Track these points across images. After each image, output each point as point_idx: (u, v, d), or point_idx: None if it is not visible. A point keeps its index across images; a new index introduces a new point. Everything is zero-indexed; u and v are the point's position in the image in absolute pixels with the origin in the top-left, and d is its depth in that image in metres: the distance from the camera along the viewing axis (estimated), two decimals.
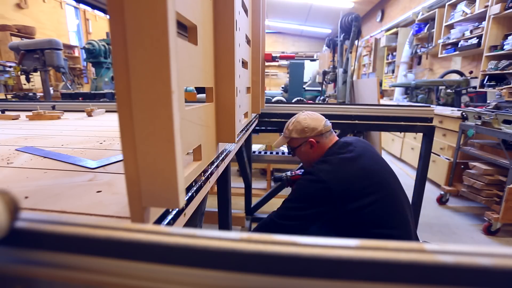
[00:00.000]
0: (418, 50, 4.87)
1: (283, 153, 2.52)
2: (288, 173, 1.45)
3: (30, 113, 1.48)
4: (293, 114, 1.24)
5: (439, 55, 4.11)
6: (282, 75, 10.68)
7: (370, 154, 1.09)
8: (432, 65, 4.79)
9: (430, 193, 2.80)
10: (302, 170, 1.51)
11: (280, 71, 10.78)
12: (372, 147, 1.17)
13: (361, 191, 0.98)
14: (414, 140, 3.59)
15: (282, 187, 1.97)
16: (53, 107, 1.79)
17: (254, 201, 2.17)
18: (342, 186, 0.97)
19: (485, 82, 3.23)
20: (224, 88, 0.64)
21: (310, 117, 1.18)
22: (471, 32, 3.49)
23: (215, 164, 0.65)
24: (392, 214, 1.00)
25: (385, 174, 1.06)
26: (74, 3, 7.17)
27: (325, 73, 3.96)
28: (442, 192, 2.61)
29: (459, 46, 3.65)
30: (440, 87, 3.91)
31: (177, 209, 0.44)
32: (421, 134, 1.69)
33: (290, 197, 1.08)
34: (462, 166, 2.58)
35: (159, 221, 0.40)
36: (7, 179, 0.57)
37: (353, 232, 0.99)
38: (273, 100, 3.53)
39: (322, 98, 4.12)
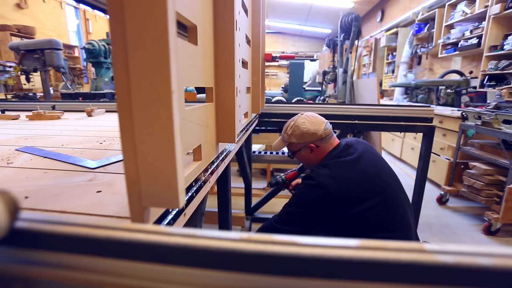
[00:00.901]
0: (418, 50, 4.87)
1: (283, 153, 2.52)
2: (282, 174, 1.45)
3: (30, 113, 1.48)
4: (293, 114, 1.23)
5: (439, 55, 4.11)
6: (282, 75, 10.68)
7: (370, 155, 1.08)
8: (432, 65, 4.79)
9: (430, 193, 2.80)
10: (298, 168, 1.50)
11: (280, 71, 10.78)
12: (373, 148, 1.16)
13: (361, 195, 0.97)
14: (414, 140, 3.59)
15: (280, 189, 1.97)
16: (53, 107, 1.79)
17: (254, 201, 2.17)
18: (342, 191, 0.97)
19: (485, 82, 3.23)
20: (224, 88, 0.64)
21: (309, 120, 1.14)
22: (471, 32, 3.49)
23: (215, 164, 0.65)
24: (393, 217, 0.99)
25: (386, 176, 1.05)
26: (74, 3, 7.17)
27: (325, 73, 3.96)
28: (442, 192, 2.61)
29: (459, 46, 3.65)
30: (440, 87, 3.91)
31: (177, 209, 0.44)
32: (421, 134, 1.69)
33: (290, 202, 1.07)
34: (462, 166, 2.58)
35: (159, 221, 0.40)
36: (7, 179, 0.57)
37: (354, 236, 0.98)
38: (273, 100, 3.53)
39: (322, 98, 4.12)
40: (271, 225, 1.08)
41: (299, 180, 1.41)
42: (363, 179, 1.00)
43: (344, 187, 0.97)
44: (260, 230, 1.14)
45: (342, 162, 1.04)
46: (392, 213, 0.99)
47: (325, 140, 1.13)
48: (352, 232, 0.99)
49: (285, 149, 2.52)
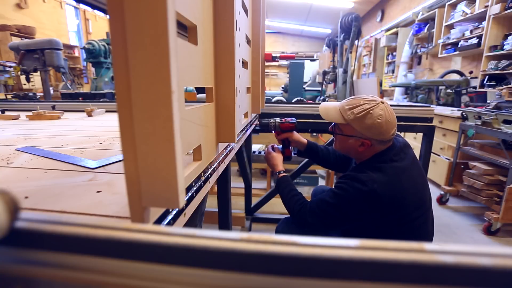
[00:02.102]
0: (418, 50, 4.87)
1: None
2: (277, 119, 1.32)
3: (30, 113, 1.48)
4: (294, 114, 1.20)
5: (439, 55, 4.11)
6: (282, 75, 10.67)
7: (417, 164, 1.01)
8: (432, 65, 4.79)
9: (431, 193, 2.80)
10: (293, 118, 1.35)
11: (280, 71, 10.78)
12: (414, 153, 1.06)
13: (408, 206, 0.91)
14: (414, 140, 3.59)
15: None
16: (53, 107, 1.79)
17: (254, 201, 2.17)
18: (393, 199, 0.89)
19: (485, 82, 3.23)
20: (224, 88, 0.64)
21: (387, 115, 0.93)
22: (471, 32, 3.49)
23: (215, 164, 0.65)
24: (425, 231, 0.96)
25: (427, 188, 1.00)
26: (74, 3, 7.17)
27: (325, 73, 3.96)
28: (442, 192, 2.61)
29: (459, 46, 3.65)
30: (440, 87, 3.91)
31: (177, 209, 0.44)
32: (421, 134, 1.69)
33: (332, 201, 0.94)
34: (462, 166, 2.58)
35: (159, 221, 0.40)
36: (7, 179, 0.57)
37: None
38: (273, 100, 3.53)
39: (322, 98, 4.12)
40: (305, 221, 0.99)
41: (291, 135, 1.33)
42: (413, 189, 0.93)
43: (396, 195, 0.89)
44: (312, 206, 1.01)
45: (396, 168, 0.93)
46: (426, 228, 0.96)
47: (383, 143, 0.98)
48: (384, 238, 0.96)
49: None
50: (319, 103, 1.38)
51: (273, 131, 1.35)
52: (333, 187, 0.99)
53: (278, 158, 1.28)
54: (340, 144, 1.05)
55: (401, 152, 0.97)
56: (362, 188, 0.89)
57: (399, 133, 1.16)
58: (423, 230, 0.95)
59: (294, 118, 1.35)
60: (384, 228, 0.93)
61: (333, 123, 1.07)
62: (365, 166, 0.96)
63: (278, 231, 1.18)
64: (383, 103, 0.95)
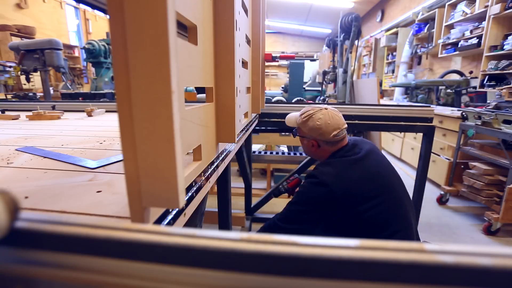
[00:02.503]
0: (418, 50, 4.87)
1: (283, 153, 2.52)
2: (285, 183, 1.45)
3: (30, 113, 1.48)
4: None
5: (439, 55, 4.11)
6: (282, 75, 10.67)
7: (375, 155, 1.08)
8: (432, 65, 4.79)
9: (430, 193, 2.80)
10: (299, 174, 1.49)
11: (280, 71, 10.77)
12: (377, 149, 1.15)
13: (364, 194, 0.97)
14: (414, 140, 3.59)
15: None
16: (53, 107, 1.79)
17: (254, 201, 2.17)
18: (345, 190, 0.96)
19: (485, 82, 3.23)
20: (224, 88, 0.64)
21: (326, 119, 1.08)
22: (471, 32, 3.49)
23: (215, 164, 0.65)
24: (395, 217, 0.99)
25: (389, 176, 1.05)
26: (74, 3, 7.17)
27: (325, 73, 3.96)
28: (442, 192, 2.61)
29: (459, 46, 3.65)
30: (440, 87, 3.91)
31: (177, 209, 0.44)
32: (421, 134, 1.69)
33: (293, 200, 1.07)
34: (462, 166, 2.58)
35: (159, 221, 0.40)
36: (7, 179, 0.57)
37: (355, 236, 0.98)
38: (273, 100, 3.53)
39: (322, 98, 4.12)
40: (274, 224, 1.08)
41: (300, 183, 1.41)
42: (366, 178, 0.99)
43: (346, 185, 0.97)
44: (262, 229, 1.15)
45: (346, 161, 1.03)
46: (394, 214, 0.99)
47: (331, 144, 1.11)
48: (354, 231, 0.99)
49: (285, 149, 2.51)
50: (320, 103, 1.44)
51: (289, 195, 1.45)
52: None
53: None
54: (302, 145, 1.22)
55: (354, 148, 1.09)
56: (313, 181, 1.01)
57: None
58: (389, 215, 0.98)
59: (296, 174, 1.51)
60: (347, 217, 0.98)
61: (294, 129, 1.25)
62: (319, 165, 1.09)
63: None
64: (326, 109, 1.11)
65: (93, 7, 7.69)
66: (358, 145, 1.11)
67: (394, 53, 5.78)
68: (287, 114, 1.29)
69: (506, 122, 2.00)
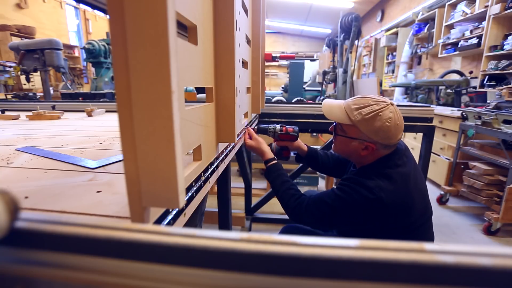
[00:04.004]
0: (418, 50, 4.88)
1: None
2: (278, 126, 1.21)
3: (30, 113, 1.48)
4: (293, 114, 1.15)
5: (439, 55, 4.11)
6: (282, 75, 10.67)
7: (418, 168, 0.98)
8: (432, 65, 4.79)
9: (430, 193, 2.77)
10: (295, 128, 1.25)
11: (280, 71, 10.77)
12: (413, 156, 1.02)
13: (414, 213, 0.88)
14: (414, 140, 3.59)
15: None
16: (53, 107, 1.79)
17: (254, 201, 2.17)
18: (400, 208, 0.85)
19: (485, 82, 3.23)
20: (224, 88, 0.64)
21: (396, 119, 0.86)
22: (471, 32, 3.49)
23: (215, 164, 0.65)
24: (429, 238, 0.95)
25: (427, 193, 0.96)
26: (74, 3, 7.17)
27: (325, 73, 3.96)
28: (442, 192, 2.61)
29: (459, 46, 3.65)
30: (440, 87, 3.91)
31: (177, 209, 0.44)
32: (421, 134, 1.69)
33: (331, 203, 0.88)
34: (462, 166, 2.58)
35: (159, 221, 0.40)
36: (7, 179, 0.57)
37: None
38: (273, 100, 3.53)
39: (322, 98, 4.12)
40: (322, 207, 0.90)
41: (291, 144, 1.24)
42: (418, 195, 0.89)
43: (402, 203, 0.85)
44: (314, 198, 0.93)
45: (402, 174, 0.88)
46: (430, 234, 0.95)
47: (388, 148, 0.91)
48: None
49: None
50: (320, 103, 1.34)
51: (274, 141, 1.25)
52: (335, 188, 0.92)
53: (263, 144, 1.10)
54: (341, 146, 0.97)
55: (403, 156, 0.92)
56: (368, 196, 0.82)
57: None
58: (426, 237, 0.93)
59: (296, 127, 1.24)
60: (386, 236, 0.88)
61: (334, 123, 1.00)
62: (370, 171, 0.89)
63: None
64: (392, 104, 0.88)
65: (93, 7, 7.69)
66: (405, 153, 0.94)
67: (394, 53, 5.79)
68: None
69: (506, 122, 2.00)
